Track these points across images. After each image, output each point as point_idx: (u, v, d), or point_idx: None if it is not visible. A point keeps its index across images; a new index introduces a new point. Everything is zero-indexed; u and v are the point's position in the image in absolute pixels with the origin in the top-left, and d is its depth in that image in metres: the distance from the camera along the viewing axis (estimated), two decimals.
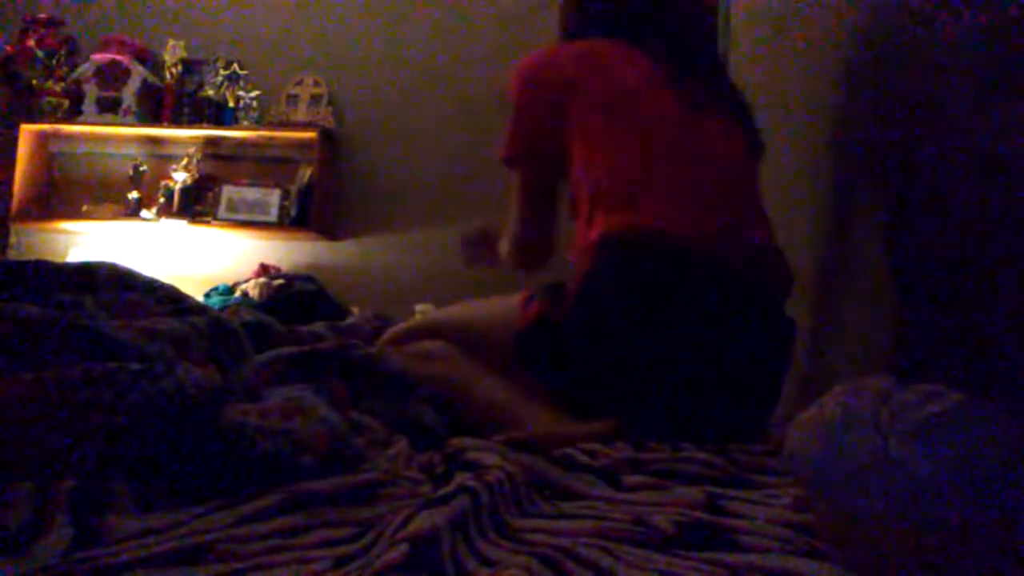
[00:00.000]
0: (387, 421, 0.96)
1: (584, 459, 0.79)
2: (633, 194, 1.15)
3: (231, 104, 3.73)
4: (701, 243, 1.10)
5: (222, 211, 3.65)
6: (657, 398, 1.08)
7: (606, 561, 0.49)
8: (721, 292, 1.09)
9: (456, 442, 0.81)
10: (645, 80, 1.19)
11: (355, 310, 2.91)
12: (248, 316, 1.32)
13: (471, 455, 0.68)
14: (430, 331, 1.34)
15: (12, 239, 3.74)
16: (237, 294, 3.29)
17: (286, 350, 1.05)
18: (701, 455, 0.76)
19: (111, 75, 3.70)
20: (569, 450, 0.83)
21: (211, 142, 3.79)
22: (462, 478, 0.59)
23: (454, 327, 1.32)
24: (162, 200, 3.69)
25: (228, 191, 3.67)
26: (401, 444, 0.89)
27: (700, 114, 1.19)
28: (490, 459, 0.66)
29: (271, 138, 3.75)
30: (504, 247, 1.39)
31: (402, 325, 1.46)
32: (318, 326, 1.61)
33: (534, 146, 1.26)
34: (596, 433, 0.96)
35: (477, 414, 1.16)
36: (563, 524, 0.57)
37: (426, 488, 0.64)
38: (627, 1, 1.28)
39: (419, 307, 3.26)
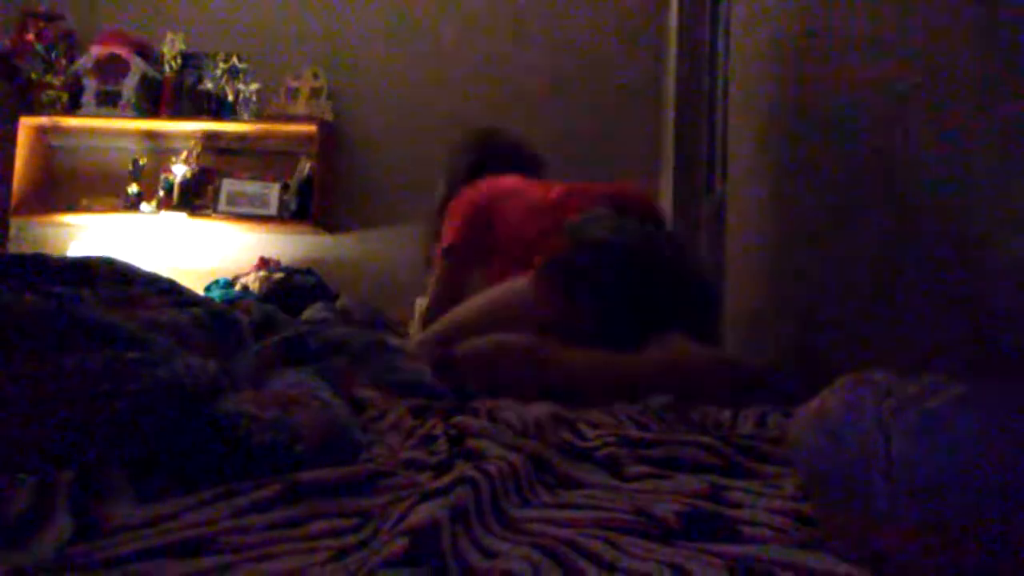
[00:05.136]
0: (386, 386, 0.98)
1: (586, 445, 0.79)
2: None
3: (230, 97, 3.72)
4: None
5: (222, 204, 3.65)
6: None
7: (608, 552, 0.48)
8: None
9: (458, 422, 0.81)
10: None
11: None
12: (258, 313, 1.32)
13: (472, 443, 0.67)
14: (455, 335, 1.48)
15: (12, 232, 3.74)
16: (237, 287, 3.29)
17: (283, 335, 1.06)
18: (705, 440, 0.76)
19: (110, 68, 3.69)
20: (569, 436, 0.84)
21: (210, 135, 3.79)
22: (462, 468, 0.58)
23: (477, 323, 1.52)
24: (162, 193, 3.69)
25: (228, 184, 3.67)
26: (400, 413, 0.89)
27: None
28: (491, 448, 0.65)
29: (270, 131, 3.74)
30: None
31: (423, 334, 1.69)
32: (317, 307, 1.65)
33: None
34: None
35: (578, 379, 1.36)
36: (565, 514, 0.57)
37: (427, 476, 0.64)
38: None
39: (419, 300, 3.25)
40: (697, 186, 3.02)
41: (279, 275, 3.28)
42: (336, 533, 0.52)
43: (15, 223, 3.76)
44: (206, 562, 0.45)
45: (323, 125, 3.66)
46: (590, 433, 0.86)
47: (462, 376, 1.27)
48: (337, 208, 3.78)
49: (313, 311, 1.69)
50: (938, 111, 0.99)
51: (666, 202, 3.24)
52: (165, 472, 0.58)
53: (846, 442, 0.48)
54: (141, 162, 3.74)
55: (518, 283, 1.60)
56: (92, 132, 3.83)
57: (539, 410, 0.96)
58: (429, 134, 3.81)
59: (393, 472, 0.65)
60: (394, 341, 1.31)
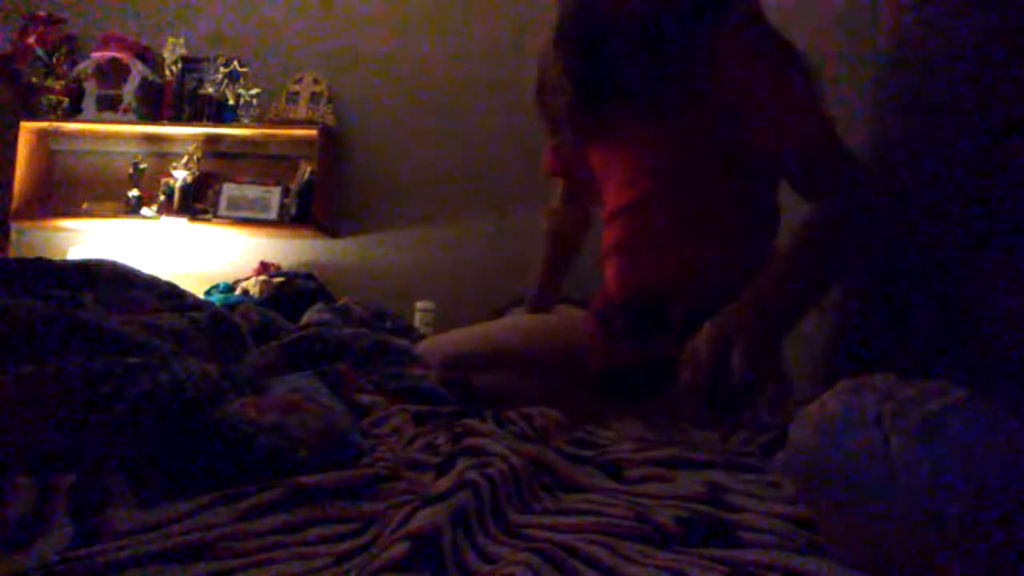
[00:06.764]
0: (388, 391, 0.97)
1: (589, 449, 0.79)
2: None
3: (231, 102, 3.72)
4: None
5: (222, 209, 3.64)
6: None
7: (608, 558, 0.48)
8: None
9: (462, 423, 0.81)
10: None
11: None
12: (257, 317, 1.32)
13: (474, 441, 0.67)
14: (491, 358, 1.34)
15: (12, 237, 3.74)
16: (237, 292, 3.29)
17: (285, 340, 1.05)
18: (706, 444, 0.76)
19: (111, 73, 3.69)
20: (573, 438, 0.83)
21: (211, 140, 3.79)
22: (464, 467, 0.58)
23: (517, 352, 1.36)
24: (162, 198, 3.69)
25: (228, 189, 3.67)
26: (403, 418, 0.89)
27: None
28: (494, 447, 0.65)
29: (271, 136, 3.74)
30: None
31: (446, 346, 1.43)
32: (317, 308, 1.65)
33: None
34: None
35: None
36: (565, 520, 0.57)
37: (428, 478, 0.64)
38: None
39: (419, 304, 3.25)
40: None
41: (279, 279, 3.28)
42: (337, 538, 0.52)
43: (16, 227, 3.76)
44: (206, 567, 0.45)
45: (324, 129, 3.66)
46: (595, 436, 0.86)
47: (478, 403, 1.16)
48: (338, 212, 3.78)
49: (313, 312, 1.69)
50: (938, 110, 0.99)
51: None
52: (165, 477, 0.58)
53: (846, 444, 0.48)
54: (142, 166, 3.74)
55: (569, 318, 1.44)
56: (93, 136, 3.83)
57: (544, 414, 0.96)
58: (430, 138, 3.81)
59: (394, 476, 0.65)
60: (398, 342, 1.29)
